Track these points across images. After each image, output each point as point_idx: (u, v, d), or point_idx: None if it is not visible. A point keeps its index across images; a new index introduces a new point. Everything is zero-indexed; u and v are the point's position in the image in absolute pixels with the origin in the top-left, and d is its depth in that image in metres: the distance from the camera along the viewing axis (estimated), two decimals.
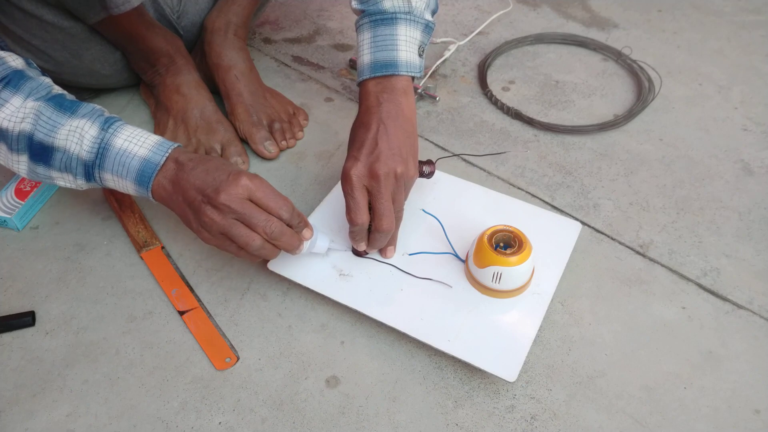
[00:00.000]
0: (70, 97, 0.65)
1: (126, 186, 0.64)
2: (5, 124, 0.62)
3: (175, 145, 0.64)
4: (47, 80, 0.65)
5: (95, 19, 0.78)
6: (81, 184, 0.65)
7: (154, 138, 0.64)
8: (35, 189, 0.79)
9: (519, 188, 0.84)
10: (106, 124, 0.63)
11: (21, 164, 0.64)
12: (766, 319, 0.69)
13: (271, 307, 0.70)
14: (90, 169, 0.64)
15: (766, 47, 1.09)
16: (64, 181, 0.65)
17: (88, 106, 0.64)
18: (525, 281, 0.66)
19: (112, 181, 0.64)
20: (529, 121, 0.93)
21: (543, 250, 0.69)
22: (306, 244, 0.65)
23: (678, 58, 1.06)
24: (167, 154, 0.63)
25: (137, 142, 0.63)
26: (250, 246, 0.60)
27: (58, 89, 0.66)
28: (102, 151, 0.63)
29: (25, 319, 0.68)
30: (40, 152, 0.63)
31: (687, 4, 1.19)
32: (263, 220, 0.59)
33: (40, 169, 0.64)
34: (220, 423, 0.60)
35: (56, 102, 0.63)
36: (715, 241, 0.77)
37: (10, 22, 0.78)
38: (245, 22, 0.93)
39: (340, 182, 0.66)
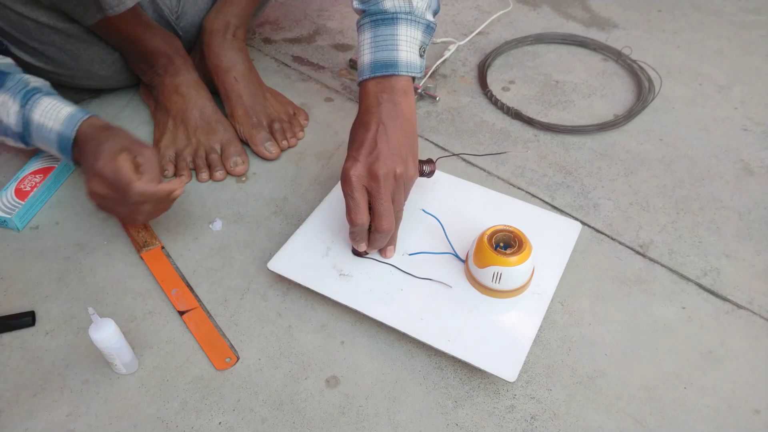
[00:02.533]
0: (4, 68, 0.72)
1: (56, 154, 0.72)
2: None
3: (86, 116, 0.70)
4: None
5: (92, 21, 0.78)
6: (23, 147, 0.74)
7: (66, 110, 0.70)
8: (35, 189, 0.79)
9: (519, 188, 0.84)
10: (25, 99, 0.69)
11: None
12: (766, 319, 0.69)
13: (271, 307, 0.70)
14: (23, 137, 0.71)
15: (766, 47, 1.09)
16: (11, 142, 0.73)
17: (14, 78, 0.71)
18: (525, 281, 0.66)
19: (44, 147, 0.73)
20: (529, 121, 0.93)
21: (543, 250, 0.69)
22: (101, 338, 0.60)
23: (678, 58, 1.06)
24: (76, 128, 0.69)
25: (51, 116, 0.70)
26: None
27: None
28: (25, 124, 0.70)
29: (25, 319, 0.68)
30: None
31: (687, 4, 1.19)
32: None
33: None
34: (220, 423, 0.60)
35: None
36: (715, 241, 0.77)
37: (6, 24, 0.77)
38: (244, 23, 0.93)
39: (339, 182, 0.66)
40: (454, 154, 0.87)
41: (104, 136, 0.68)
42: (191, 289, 0.72)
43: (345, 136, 0.72)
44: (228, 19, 0.91)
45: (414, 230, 0.73)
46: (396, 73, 0.67)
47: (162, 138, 0.86)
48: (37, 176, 0.81)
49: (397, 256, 0.71)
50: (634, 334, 0.67)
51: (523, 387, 0.63)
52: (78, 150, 0.70)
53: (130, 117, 0.93)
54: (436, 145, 0.90)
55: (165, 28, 0.90)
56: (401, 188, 0.65)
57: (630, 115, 0.94)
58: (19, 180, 0.80)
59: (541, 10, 1.18)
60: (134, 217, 0.70)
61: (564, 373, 0.64)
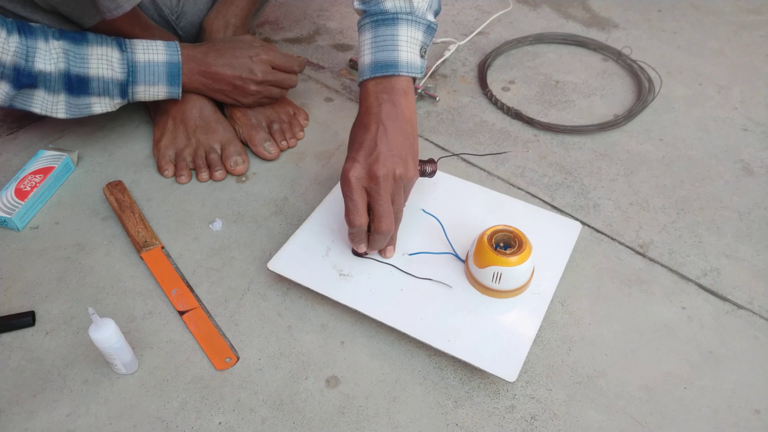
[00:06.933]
0: (70, 28, 0.76)
1: (157, 91, 0.79)
2: (41, 66, 0.70)
3: (173, 42, 0.78)
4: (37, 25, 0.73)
5: (91, 23, 0.78)
6: (117, 103, 0.78)
7: (160, 43, 0.78)
8: (35, 189, 0.79)
9: (519, 188, 0.84)
10: (122, 45, 0.75)
11: (59, 104, 0.74)
12: (766, 319, 0.69)
13: (271, 307, 0.70)
14: (125, 87, 0.76)
15: (766, 47, 1.09)
16: (101, 105, 0.77)
17: (91, 34, 0.75)
18: (525, 281, 0.66)
19: (143, 91, 0.78)
20: (529, 121, 0.93)
21: (543, 250, 0.69)
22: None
23: (678, 58, 1.06)
24: (179, 52, 0.78)
25: (153, 51, 0.76)
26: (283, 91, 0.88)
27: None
28: (131, 68, 0.75)
29: (25, 319, 0.68)
30: (78, 85, 0.73)
31: (687, 4, 1.19)
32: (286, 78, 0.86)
33: (81, 100, 0.75)
34: (220, 423, 0.60)
35: (70, 37, 0.72)
36: (715, 241, 0.77)
37: None
38: (244, 23, 0.93)
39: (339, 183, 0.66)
40: (454, 154, 0.87)
41: (227, 39, 0.83)
42: (191, 289, 0.72)
43: (345, 136, 0.72)
44: (228, 19, 0.91)
45: (414, 230, 0.73)
46: (396, 73, 0.67)
47: (162, 138, 0.86)
48: (37, 176, 0.81)
49: (397, 256, 0.71)
50: (634, 334, 0.67)
51: (523, 387, 0.63)
52: (194, 73, 0.80)
53: (129, 116, 0.93)
54: (436, 145, 0.90)
55: (165, 28, 0.90)
56: (401, 189, 0.65)
57: (630, 115, 0.94)
58: (19, 180, 0.80)
59: (541, 10, 1.18)
60: (272, 96, 0.86)
61: (564, 373, 0.64)
